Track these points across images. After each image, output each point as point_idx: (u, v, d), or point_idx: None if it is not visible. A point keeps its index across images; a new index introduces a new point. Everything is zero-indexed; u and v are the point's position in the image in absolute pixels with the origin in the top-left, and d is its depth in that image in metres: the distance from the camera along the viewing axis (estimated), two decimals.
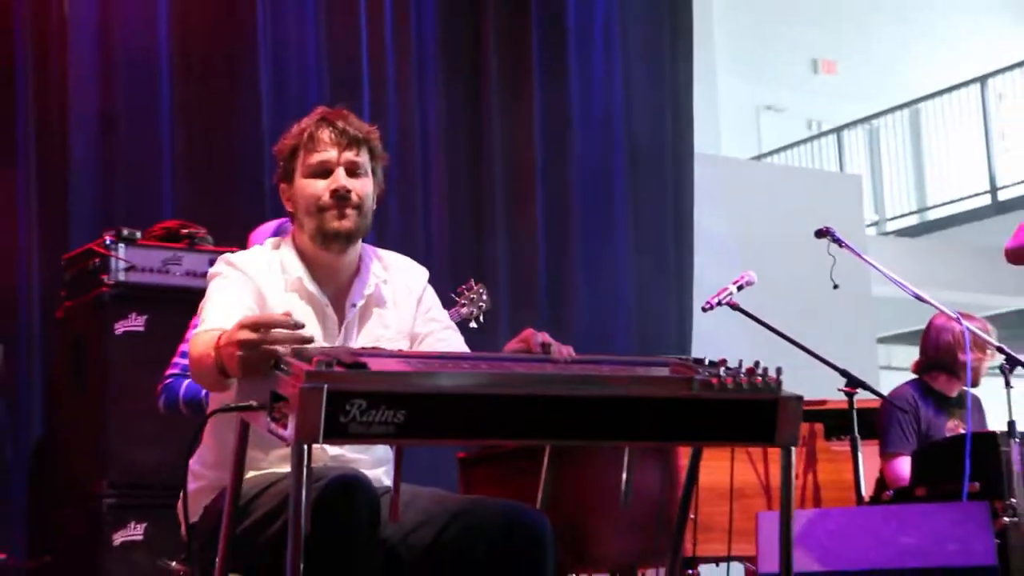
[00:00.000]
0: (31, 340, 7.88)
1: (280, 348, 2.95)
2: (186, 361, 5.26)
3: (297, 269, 3.74)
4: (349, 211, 3.69)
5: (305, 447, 2.80)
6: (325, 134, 3.72)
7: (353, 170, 3.73)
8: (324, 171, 3.69)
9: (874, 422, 6.79)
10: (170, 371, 5.60)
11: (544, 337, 3.41)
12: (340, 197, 3.66)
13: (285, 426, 2.84)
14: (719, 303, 6.26)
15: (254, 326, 3.01)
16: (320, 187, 3.67)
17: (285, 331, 3.01)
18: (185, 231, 7.22)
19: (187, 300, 6.39)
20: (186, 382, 5.45)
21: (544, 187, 10.15)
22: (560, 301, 9.92)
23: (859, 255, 6.56)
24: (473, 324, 6.16)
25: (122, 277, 6.91)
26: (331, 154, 3.71)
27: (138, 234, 7.08)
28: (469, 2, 10.21)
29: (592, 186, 10.36)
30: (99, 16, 8.92)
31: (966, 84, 15.40)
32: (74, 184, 8.47)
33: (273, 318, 3.08)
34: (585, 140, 10.33)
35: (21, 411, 7.75)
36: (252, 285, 3.66)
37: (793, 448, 3.22)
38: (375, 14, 9.74)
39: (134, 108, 8.90)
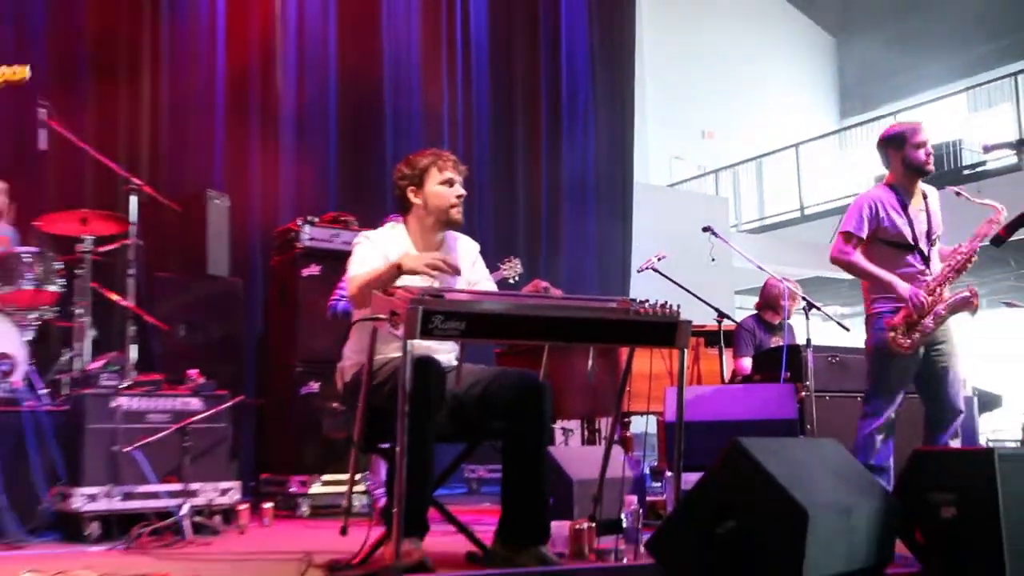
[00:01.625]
0: (258, 278, 7.82)
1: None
2: (342, 291, 5.45)
3: (406, 242, 3.76)
4: (461, 208, 3.76)
5: (409, 341, 2.97)
6: (449, 163, 3.75)
7: (462, 186, 3.79)
8: (449, 183, 3.72)
9: (731, 338, 7.02)
10: (334, 296, 5.66)
11: (545, 284, 3.57)
12: (461, 200, 3.74)
13: (398, 329, 3.04)
14: (646, 268, 6.52)
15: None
16: (449, 192, 3.72)
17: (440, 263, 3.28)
18: (342, 218, 7.18)
19: (342, 257, 6.48)
20: (342, 303, 5.55)
21: (547, 205, 10.25)
22: (556, 269, 10.00)
23: (726, 242, 6.79)
24: (511, 281, 6.29)
25: (307, 243, 6.89)
26: (455, 175, 3.75)
27: (316, 219, 7.03)
28: (507, 92, 10.12)
29: (575, 199, 10.47)
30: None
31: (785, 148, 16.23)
32: (284, 179, 8.33)
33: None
34: (571, 176, 10.44)
35: (252, 317, 7.68)
36: (379, 250, 3.68)
37: (685, 350, 3.40)
38: (452, 85, 9.60)
39: (312, 125, 8.60)
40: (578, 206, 10.37)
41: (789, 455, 2.72)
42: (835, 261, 4.98)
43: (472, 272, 3.85)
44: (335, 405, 3.79)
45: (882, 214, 4.84)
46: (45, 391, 5.45)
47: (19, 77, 2.85)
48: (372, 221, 6.79)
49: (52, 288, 5.69)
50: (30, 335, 5.56)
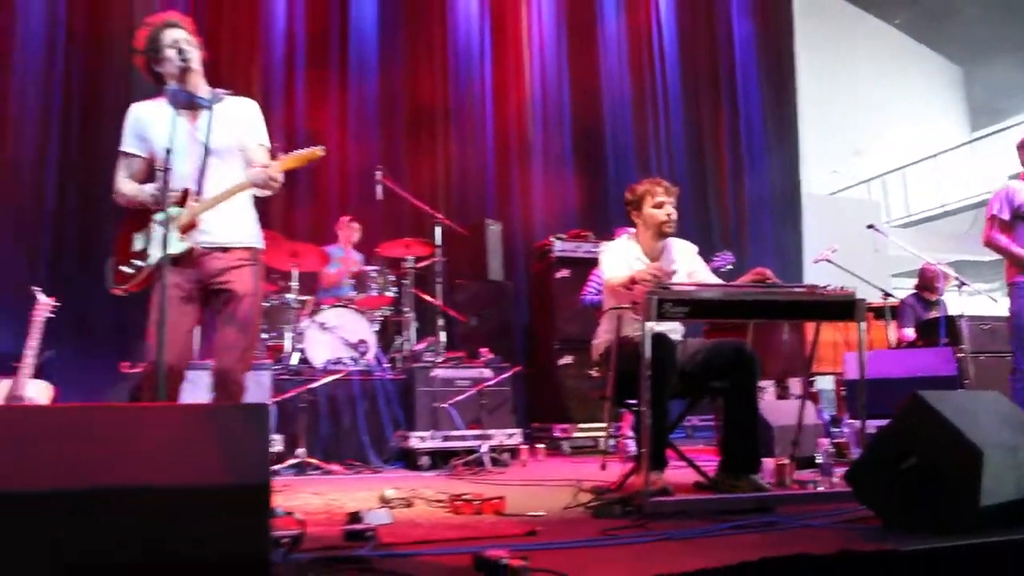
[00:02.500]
0: (522, 280, 7.87)
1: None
2: (590, 288, 5.42)
3: (636, 249, 3.66)
4: (673, 225, 3.65)
5: (648, 323, 2.99)
6: (660, 189, 3.62)
7: (674, 205, 3.67)
8: (660, 205, 3.60)
9: (895, 312, 6.57)
10: (584, 292, 5.57)
11: (766, 271, 3.42)
12: (670, 218, 3.62)
13: (639, 315, 3.11)
14: (821, 259, 6.24)
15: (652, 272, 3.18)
16: (662, 213, 3.60)
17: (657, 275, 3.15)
18: (582, 234, 7.12)
19: (585, 263, 6.56)
20: (589, 297, 5.44)
21: (734, 216, 9.89)
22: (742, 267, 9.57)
23: (887, 236, 6.44)
24: (724, 270, 6.14)
25: (558, 254, 6.88)
26: (667, 198, 3.62)
27: (563, 235, 7.03)
28: (697, 128, 9.81)
29: (755, 211, 10.06)
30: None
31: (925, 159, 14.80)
32: (536, 205, 8.38)
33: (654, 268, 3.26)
34: (751, 192, 10.07)
35: (520, 309, 7.63)
36: (620, 256, 3.59)
37: (862, 323, 3.26)
38: (655, 123, 9.46)
39: (554, 161, 8.59)
40: (757, 216, 9.97)
41: (960, 404, 2.57)
42: (987, 243, 4.74)
43: (691, 265, 3.73)
44: (593, 372, 3.80)
45: (1018, 200, 4.64)
46: (388, 365, 5.81)
47: (317, 156, 3.02)
48: (601, 232, 6.90)
49: (389, 294, 6.08)
50: (376, 327, 5.90)
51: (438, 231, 6.35)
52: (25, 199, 6.46)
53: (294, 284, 5.77)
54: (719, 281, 3.71)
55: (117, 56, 6.80)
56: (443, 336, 6.20)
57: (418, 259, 6.31)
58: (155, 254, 2.78)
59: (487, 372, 5.59)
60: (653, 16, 9.67)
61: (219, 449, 1.82)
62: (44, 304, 4.73)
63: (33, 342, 4.63)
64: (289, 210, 7.11)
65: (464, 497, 3.25)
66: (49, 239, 6.43)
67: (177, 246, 2.87)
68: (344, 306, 5.74)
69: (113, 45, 6.90)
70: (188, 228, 2.89)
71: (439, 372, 5.47)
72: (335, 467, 4.97)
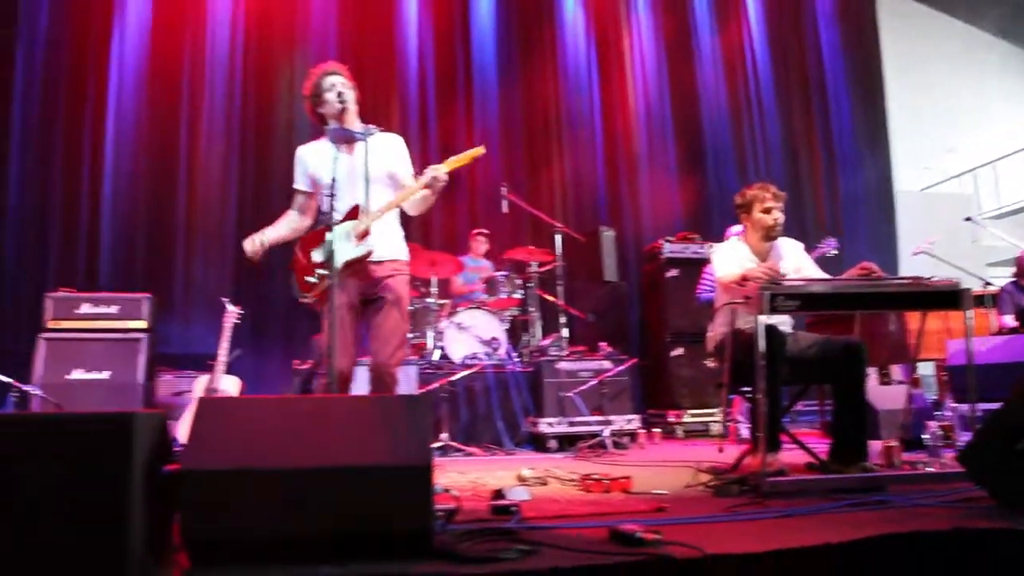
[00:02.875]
0: (634, 280, 7.75)
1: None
2: (703, 285, 5.25)
3: (746, 250, 3.56)
4: (781, 227, 3.55)
5: (759, 316, 2.91)
6: (768, 194, 3.52)
7: (781, 209, 3.56)
8: (768, 211, 3.50)
9: (995, 300, 6.09)
10: (698, 290, 5.42)
11: (871, 264, 3.28)
12: (777, 223, 3.52)
13: (751, 310, 3.03)
14: (920, 252, 5.86)
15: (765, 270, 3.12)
16: (769, 218, 3.51)
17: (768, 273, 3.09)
18: (689, 236, 6.99)
19: (693, 263, 6.42)
20: (704, 294, 5.25)
21: (829, 215, 9.38)
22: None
23: (984, 227, 6.03)
24: (829, 254, 5.85)
25: (667, 255, 6.78)
26: (775, 204, 3.52)
27: (672, 238, 6.93)
28: (790, 133, 9.41)
29: (849, 209, 9.51)
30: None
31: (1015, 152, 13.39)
32: (645, 210, 8.24)
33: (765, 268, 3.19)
34: (845, 192, 9.56)
35: (633, 306, 7.60)
36: (731, 256, 3.49)
37: (968, 311, 3.08)
38: (751, 130, 9.17)
39: (660, 168, 8.40)
40: (852, 213, 9.47)
41: None
42: None
43: (798, 262, 3.60)
44: (709, 363, 3.70)
45: None
46: (517, 359, 5.85)
47: (479, 154, 3.08)
48: (706, 234, 6.74)
49: (516, 296, 6.14)
50: (506, 325, 5.95)
51: (558, 238, 6.36)
52: (212, 226, 7.03)
53: (433, 289, 5.92)
54: (825, 276, 3.54)
55: (283, 98, 7.32)
56: (565, 332, 6.21)
57: (541, 264, 6.35)
58: (336, 261, 2.90)
59: (607, 364, 5.55)
60: (744, 29, 9.38)
61: (388, 434, 1.90)
62: (232, 312, 5.03)
63: (224, 344, 4.92)
64: (427, 224, 7.30)
65: (593, 476, 3.26)
66: (232, 258, 6.89)
67: (356, 250, 3.01)
68: (477, 308, 5.81)
69: (281, 87, 7.44)
70: (363, 235, 3.03)
71: (564, 365, 5.47)
72: (474, 449, 5.05)
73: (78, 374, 5.16)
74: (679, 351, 6.68)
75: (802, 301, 2.97)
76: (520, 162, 7.84)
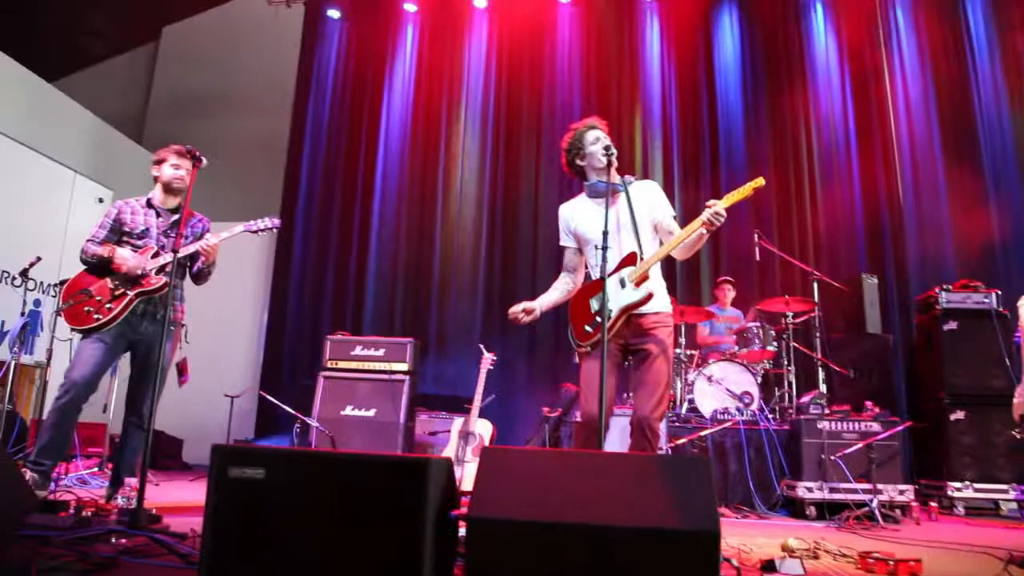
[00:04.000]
0: (898, 332, 7.01)
1: None
2: (1018, 335, 4.66)
3: None
4: None
5: None
6: None
7: None
8: None
9: None
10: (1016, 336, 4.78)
11: None
12: None
13: None
14: None
15: None
16: None
17: None
18: (972, 284, 6.08)
19: (980, 315, 5.71)
20: None
21: None
22: None
23: None
24: None
25: (944, 305, 6.07)
26: None
27: (949, 286, 6.13)
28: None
29: None
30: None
31: None
32: (912, 257, 7.47)
33: None
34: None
35: (898, 362, 6.90)
36: None
37: None
38: None
39: (929, 213, 7.55)
40: None
41: None
42: None
43: None
44: (1016, 433, 3.25)
45: None
46: (772, 415, 5.62)
47: (759, 185, 2.97)
48: (988, 280, 6.05)
49: (770, 348, 5.92)
50: (759, 379, 5.76)
51: (815, 286, 6.03)
52: (465, 277, 7.77)
53: (681, 339, 5.86)
54: None
55: (525, 162, 7.84)
56: (824, 388, 5.86)
57: (796, 314, 6.06)
58: (613, 307, 3.00)
59: (875, 426, 5.12)
60: None
61: (675, 496, 1.88)
62: (487, 358, 5.32)
63: (480, 388, 5.21)
64: (671, 276, 7.26)
65: (874, 555, 2.97)
66: (481, 307, 7.49)
67: (635, 294, 3.10)
68: (728, 360, 5.70)
69: (524, 154, 8.02)
70: (641, 280, 3.12)
71: (825, 424, 5.13)
72: (725, 511, 4.89)
73: (349, 410, 5.74)
74: (959, 415, 5.95)
75: None
76: (769, 205, 7.55)
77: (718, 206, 2.97)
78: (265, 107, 9.11)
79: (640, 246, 3.14)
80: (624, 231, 3.19)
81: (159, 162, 3.93)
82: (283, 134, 8.56)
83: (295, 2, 8.67)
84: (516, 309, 3.24)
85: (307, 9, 8.89)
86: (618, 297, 3.04)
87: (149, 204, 3.91)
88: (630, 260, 3.14)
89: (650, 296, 3.08)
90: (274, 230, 3.98)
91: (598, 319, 3.11)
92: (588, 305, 3.20)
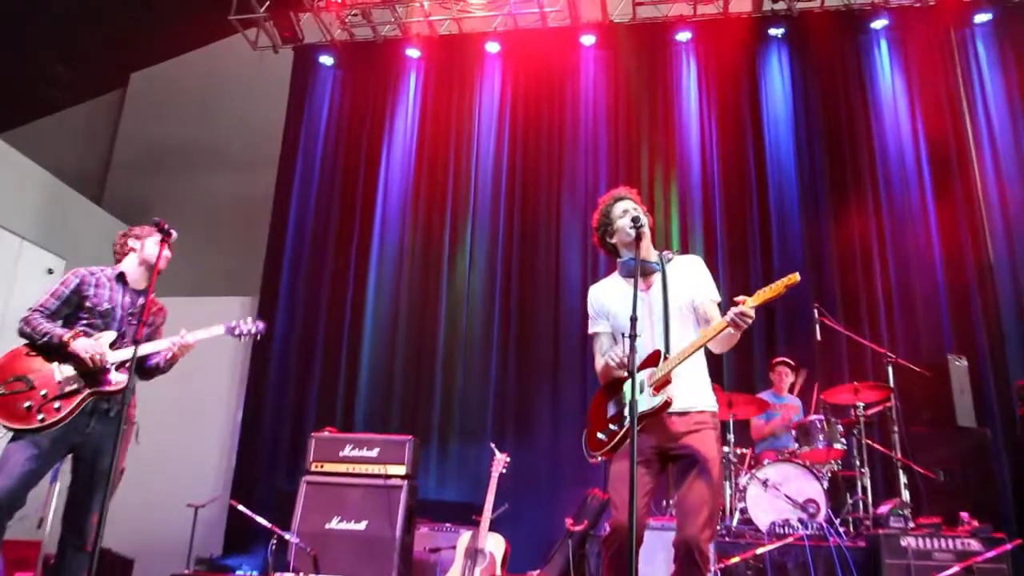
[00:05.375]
0: (998, 425, 6.73)
1: None
2: None
3: None
4: None
5: None
6: None
7: None
8: None
9: None
10: None
11: None
12: None
13: None
14: None
15: None
16: None
17: None
18: None
19: None
20: None
21: None
22: None
23: None
24: None
25: None
26: None
27: None
28: None
29: None
30: None
31: None
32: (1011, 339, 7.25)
33: None
34: None
35: (1000, 459, 6.63)
36: None
37: None
38: None
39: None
40: None
41: None
42: None
43: None
44: None
45: None
46: (843, 529, 5.44)
47: (794, 283, 3.00)
48: None
49: (838, 446, 5.79)
50: (825, 484, 5.61)
51: (890, 371, 5.97)
52: (474, 368, 7.69)
53: (730, 436, 5.80)
54: None
55: (543, 238, 7.94)
56: (907, 495, 5.68)
57: (868, 405, 5.97)
58: (630, 414, 2.95)
59: (974, 543, 4.97)
60: None
61: None
62: (500, 460, 5.26)
63: (491, 495, 5.14)
64: (717, 356, 7.16)
65: None
66: (494, 400, 7.46)
67: (652, 401, 3.08)
68: (787, 460, 5.62)
69: (541, 209, 8.07)
70: (662, 384, 3.09)
71: (911, 541, 4.99)
72: None
73: (336, 523, 5.66)
74: None
75: None
76: (831, 273, 7.48)
77: (746, 305, 2.99)
78: (246, 163, 9.31)
79: (668, 338, 3.15)
80: (656, 318, 3.22)
81: (140, 237, 3.94)
82: (266, 194, 8.69)
83: (283, 47, 8.92)
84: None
85: (296, 54, 9.14)
86: (637, 402, 2.98)
87: (121, 279, 3.88)
88: (653, 359, 3.15)
89: (667, 405, 3.07)
90: (258, 336, 3.98)
91: (611, 426, 3.12)
92: (604, 409, 3.22)
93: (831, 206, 7.72)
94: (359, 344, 8.01)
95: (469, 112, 8.69)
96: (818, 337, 6.00)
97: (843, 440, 5.84)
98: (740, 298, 3.02)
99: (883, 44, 8.26)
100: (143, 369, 3.87)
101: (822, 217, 7.70)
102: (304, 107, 8.94)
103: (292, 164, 8.71)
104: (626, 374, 3.10)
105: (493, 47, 8.69)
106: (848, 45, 8.28)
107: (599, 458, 3.16)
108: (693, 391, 3.20)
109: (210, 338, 3.85)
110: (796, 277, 2.99)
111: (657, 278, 3.29)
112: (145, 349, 3.75)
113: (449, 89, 8.80)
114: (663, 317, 3.19)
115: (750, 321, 3.01)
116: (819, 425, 5.80)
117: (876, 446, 5.95)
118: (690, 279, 3.33)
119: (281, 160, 8.75)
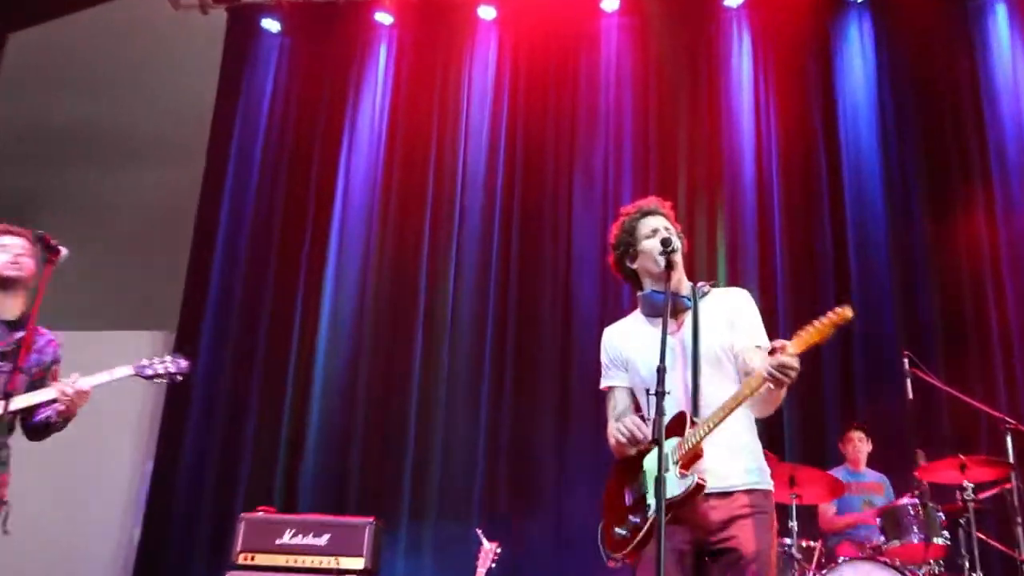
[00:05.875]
0: None
1: None
2: None
3: None
4: None
5: None
6: None
7: None
8: None
9: None
10: None
11: None
12: None
13: None
14: None
15: None
16: None
17: None
18: None
19: None
20: None
21: None
22: None
23: None
24: None
25: None
26: None
27: None
28: None
29: None
30: None
31: None
32: None
33: None
34: None
35: None
36: None
37: None
38: None
39: None
40: None
41: None
42: None
43: None
44: None
45: None
46: None
47: (847, 319, 2.94)
48: None
49: (939, 541, 5.69)
50: None
51: (1009, 441, 5.93)
52: (457, 425, 7.66)
53: (792, 524, 5.73)
54: None
55: (549, 230, 7.95)
56: None
57: (980, 486, 5.92)
58: (654, 502, 2.94)
59: None
60: None
61: None
62: (488, 551, 5.29)
63: None
64: (769, 420, 7.11)
65: None
66: (482, 470, 7.42)
67: (680, 484, 3.01)
68: (871, 558, 5.53)
69: (546, 216, 8.10)
70: (691, 460, 3.03)
71: None
72: None
73: None
74: None
75: None
76: (928, 313, 7.50)
77: (786, 352, 2.88)
78: (164, 155, 9.25)
79: (696, 396, 3.11)
80: (679, 371, 3.19)
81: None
82: (190, 196, 8.63)
83: (214, 5, 8.91)
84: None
85: (231, 16, 9.17)
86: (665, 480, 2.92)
87: None
88: (678, 425, 3.08)
89: (700, 489, 2.99)
90: (177, 378, 4.01)
91: (632, 518, 3.10)
92: (622, 497, 3.20)
93: (928, 220, 7.74)
94: (307, 394, 7.94)
95: (455, 94, 8.73)
96: (909, 395, 5.96)
97: (945, 533, 5.77)
98: (778, 342, 2.94)
99: (1000, 8, 8.23)
100: (29, 428, 3.86)
101: (915, 234, 7.72)
102: (241, 84, 9.02)
103: (224, 157, 8.73)
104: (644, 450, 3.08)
105: (488, 12, 8.77)
106: (954, 9, 8.25)
107: (620, 561, 3.13)
108: (740, 464, 3.18)
109: (113, 382, 3.83)
110: (848, 312, 2.92)
111: (688, 317, 3.26)
112: (20, 402, 3.69)
113: (431, 65, 8.84)
114: (691, 370, 3.15)
115: (793, 374, 2.90)
116: (912, 512, 5.72)
117: (991, 541, 5.90)
118: (729, 318, 3.30)
119: (209, 151, 8.77)
